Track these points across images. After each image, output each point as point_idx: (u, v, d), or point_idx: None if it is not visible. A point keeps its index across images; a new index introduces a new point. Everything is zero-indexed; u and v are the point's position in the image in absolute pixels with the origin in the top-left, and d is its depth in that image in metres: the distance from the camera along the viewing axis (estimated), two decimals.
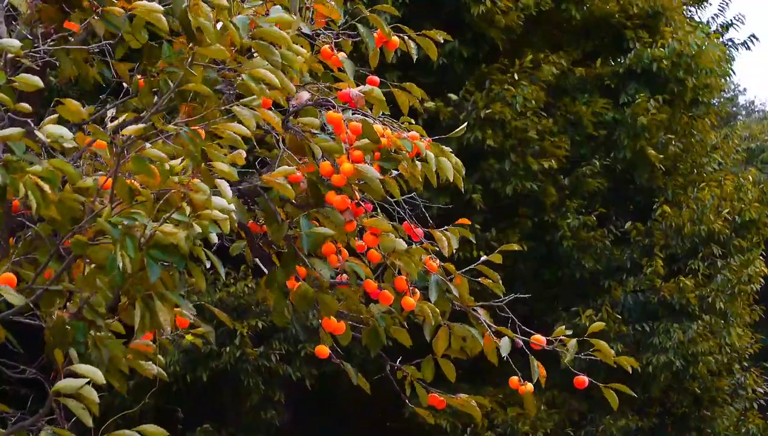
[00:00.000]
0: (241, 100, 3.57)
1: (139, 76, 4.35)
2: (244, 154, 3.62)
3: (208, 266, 3.55)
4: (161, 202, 3.29)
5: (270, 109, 4.15)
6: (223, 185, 3.34)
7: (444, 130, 4.52)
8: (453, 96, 13.83)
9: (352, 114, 4.21)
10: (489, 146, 13.69)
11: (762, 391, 15.82)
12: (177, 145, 3.39)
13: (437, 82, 13.98)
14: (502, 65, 14.21)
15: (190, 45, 3.62)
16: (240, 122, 3.60)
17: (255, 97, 3.56)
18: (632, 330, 14.30)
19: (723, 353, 14.68)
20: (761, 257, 15.18)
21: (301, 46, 4.27)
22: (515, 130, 13.78)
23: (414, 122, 4.41)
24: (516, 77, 13.90)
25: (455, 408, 14.11)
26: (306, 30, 4.24)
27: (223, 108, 3.52)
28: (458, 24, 14.13)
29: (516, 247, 4.78)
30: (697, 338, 14.16)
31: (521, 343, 4.52)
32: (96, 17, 3.68)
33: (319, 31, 4.53)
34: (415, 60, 4.62)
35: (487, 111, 13.61)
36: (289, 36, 3.80)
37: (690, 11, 17.39)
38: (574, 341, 4.52)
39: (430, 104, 13.41)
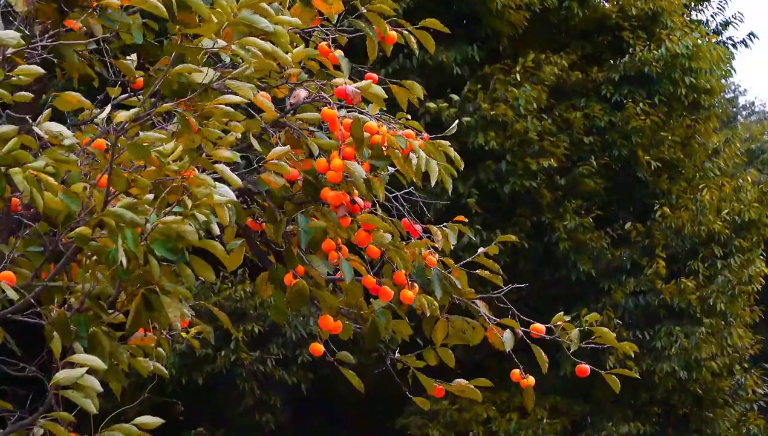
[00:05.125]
0: (233, 72, 3.53)
1: (138, 76, 4.36)
2: (240, 122, 3.59)
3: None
4: (162, 196, 3.27)
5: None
6: (225, 170, 3.31)
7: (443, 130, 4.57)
8: (455, 96, 13.81)
9: (348, 112, 4.21)
10: (489, 148, 13.69)
11: (762, 392, 15.79)
12: (175, 136, 3.37)
13: (440, 84, 14.00)
14: (505, 65, 14.23)
15: (177, 28, 3.60)
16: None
17: (247, 66, 3.51)
18: (632, 336, 14.20)
19: (725, 355, 14.66)
20: (761, 257, 15.16)
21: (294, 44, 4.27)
22: (515, 132, 13.79)
23: (411, 119, 4.41)
24: (518, 78, 13.92)
25: (449, 418, 13.95)
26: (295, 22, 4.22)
27: (216, 84, 3.47)
28: (468, 19, 14.16)
29: (514, 238, 4.78)
30: (701, 344, 14.12)
31: (521, 333, 4.53)
32: (95, 13, 3.67)
33: (315, 29, 4.53)
34: (416, 54, 4.62)
35: (492, 113, 13.60)
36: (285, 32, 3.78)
37: (691, 12, 17.38)
38: (576, 330, 4.53)
39: (432, 105, 13.43)
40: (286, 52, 3.69)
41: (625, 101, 14.73)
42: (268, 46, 3.54)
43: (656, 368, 14.07)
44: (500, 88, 13.87)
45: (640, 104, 14.58)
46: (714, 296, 14.34)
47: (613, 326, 13.87)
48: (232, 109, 3.44)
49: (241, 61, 3.57)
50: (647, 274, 14.44)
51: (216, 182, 3.30)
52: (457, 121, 4.77)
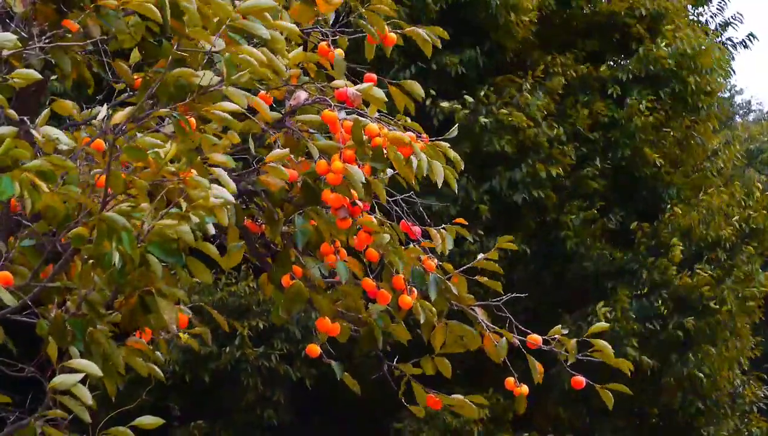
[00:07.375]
0: (230, 79, 3.52)
1: (136, 76, 4.35)
2: (237, 132, 3.58)
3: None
4: (158, 198, 3.26)
5: (271, 106, 4.17)
6: (222, 174, 3.31)
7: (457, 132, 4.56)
8: (469, 98, 13.71)
9: (347, 114, 4.21)
10: (501, 153, 13.60)
11: (762, 394, 15.74)
12: (172, 137, 3.37)
13: (445, 89, 13.95)
14: (516, 75, 14.14)
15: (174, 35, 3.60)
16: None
17: (243, 73, 3.50)
18: (641, 330, 13.92)
19: (735, 365, 14.62)
20: (759, 270, 14.94)
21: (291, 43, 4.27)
22: (526, 138, 13.72)
23: (410, 120, 4.40)
24: (528, 87, 13.88)
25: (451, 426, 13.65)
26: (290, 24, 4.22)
27: (211, 89, 3.46)
28: (474, 30, 14.15)
29: (513, 246, 4.76)
30: (723, 352, 14.02)
31: (518, 342, 4.52)
32: (94, 14, 3.66)
33: (313, 29, 4.53)
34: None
35: (509, 119, 13.52)
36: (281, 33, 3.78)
37: (692, 13, 17.35)
38: (573, 341, 4.52)
39: (445, 105, 13.39)
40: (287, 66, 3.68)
41: (630, 99, 14.53)
42: (263, 56, 3.53)
43: (671, 371, 13.94)
44: (514, 93, 13.79)
45: (644, 101, 14.38)
46: (727, 295, 14.03)
47: (627, 327, 13.53)
48: (229, 116, 3.44)
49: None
50: (660, 265, 14.09)
51: (213, 184, 3.29)
52: (456, 125, 4.74)
